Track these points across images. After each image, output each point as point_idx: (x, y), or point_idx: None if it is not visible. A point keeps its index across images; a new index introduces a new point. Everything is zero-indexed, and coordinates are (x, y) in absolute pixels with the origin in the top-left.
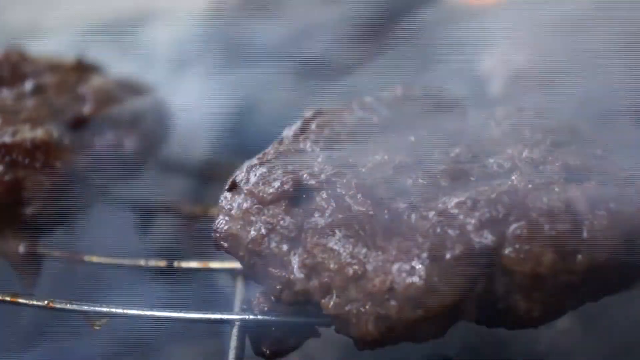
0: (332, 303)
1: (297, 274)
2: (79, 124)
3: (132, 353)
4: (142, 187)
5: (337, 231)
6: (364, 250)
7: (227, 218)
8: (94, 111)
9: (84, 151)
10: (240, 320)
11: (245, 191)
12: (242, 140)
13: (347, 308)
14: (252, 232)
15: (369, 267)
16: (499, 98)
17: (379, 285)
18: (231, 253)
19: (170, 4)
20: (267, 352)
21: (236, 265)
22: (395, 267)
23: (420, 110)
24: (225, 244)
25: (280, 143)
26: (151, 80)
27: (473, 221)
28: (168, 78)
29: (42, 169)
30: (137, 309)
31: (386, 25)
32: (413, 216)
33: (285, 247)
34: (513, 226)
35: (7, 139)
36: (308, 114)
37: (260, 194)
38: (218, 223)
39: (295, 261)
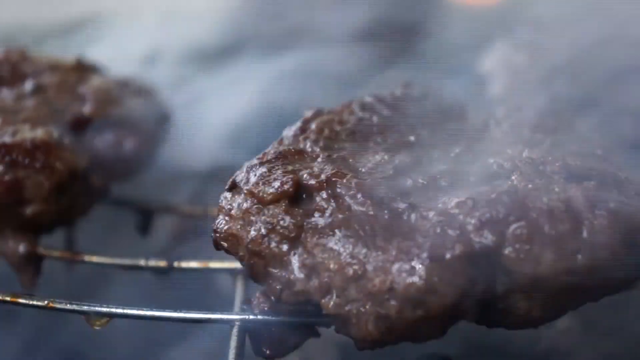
0: (332, 303)
1: (297, 274)
2: (79, 124)
3: (132, 353)
4: (142, 187)
5: (337, 231)
6: (364, 250)
7: (227, 218)
8: (94, 111)
9: (84, 151)
10: (240, 320)
11: (245, 191)
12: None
13: (347, 308)
14: (252, 232)
15: (369, 267)
16: (499, 98)
17: (379, 285)
18: (231, 253)
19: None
20: (267, 352)
21: (236, 265)
22: (395, 267)
23: (420, 110)
24: (225, 244)
25: (280, 143)
26: (152, 80)
27: (473, 221)
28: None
29: (42, 169)
30: (137, 309)
31: (386, 25)
32: (413, 216)
33: (285, 247)
34: (513, 226)
35: (7, 139)
36: (308, 114)
37: (260, 194)
38: (218, 223)
39: (295, 261)
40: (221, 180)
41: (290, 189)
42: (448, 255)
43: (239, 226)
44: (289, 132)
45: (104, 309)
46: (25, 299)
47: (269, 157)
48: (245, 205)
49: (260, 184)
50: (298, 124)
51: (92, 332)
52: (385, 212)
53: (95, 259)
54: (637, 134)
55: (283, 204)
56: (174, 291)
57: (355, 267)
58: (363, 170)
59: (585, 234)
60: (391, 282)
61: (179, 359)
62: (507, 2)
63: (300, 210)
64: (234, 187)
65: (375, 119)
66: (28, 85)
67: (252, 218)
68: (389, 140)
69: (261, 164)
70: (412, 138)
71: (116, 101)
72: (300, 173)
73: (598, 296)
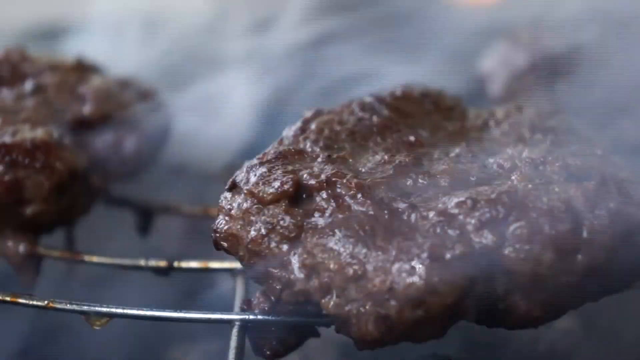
0: (332, 303)
1: (297, 274)
2: (79, 124)
3: (132, 353)
4: (142, 187)
5: (337, 231)
6: (364, 250)
7: (227, 218)
8: (94, 111)
9: (84, 151)
10: (240, 320)
11: (245, 191)
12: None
13: (347, 308)
14: (252, 232)
15: (369, 267)
16: (499, 98)
17: (379, 285)
18: (231, 253)
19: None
20: (267, 352)
21: (236, 265)
22: (395, 267)
23: (420, 110)
24: (225, 244)
25: (280, 143)
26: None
27: (473, 221)
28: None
29: (42, 169)
30: (137, 309)
31: (385, 24)
32: (413, 216)
33: (285, 247)
34: (513, 226)
35: (7, 139)
36: (308, 113)
37: (260, 194)
38: (218, 223)
39: (295, 261)
40: (221, 180)
41: (290, 189)
42: (448, 255)
43: (239, 226)
44: (289, 132)
45: (104, 309)
46: (25, 299)
47: (269, 157)
48: (245, 205)
49: (260, 184)
50: (298, 124)
51: (92, 332)
52: (385, 212)
53: (95, 259)
54: (637, 134)
55: (283, 204)
56: (174, 291)
57: (355, 267)
58: (363, 170)
59: (585, 234)
60: (391, 282)
61: (178, 359)
62: (507, 2)
63: (300, 210)
64: (234, 187)
65: (375, 119)
66: (28, 85)
67: (252, 218)
68: (388, 140)
69: (261, 164)
70: (412, 138)
71: (116, 101)
72: (300, 173)
73: (598, 296)
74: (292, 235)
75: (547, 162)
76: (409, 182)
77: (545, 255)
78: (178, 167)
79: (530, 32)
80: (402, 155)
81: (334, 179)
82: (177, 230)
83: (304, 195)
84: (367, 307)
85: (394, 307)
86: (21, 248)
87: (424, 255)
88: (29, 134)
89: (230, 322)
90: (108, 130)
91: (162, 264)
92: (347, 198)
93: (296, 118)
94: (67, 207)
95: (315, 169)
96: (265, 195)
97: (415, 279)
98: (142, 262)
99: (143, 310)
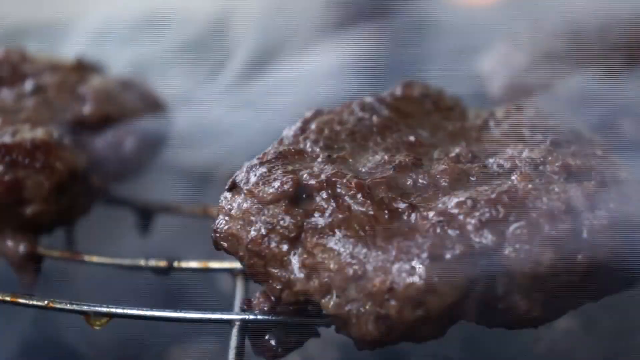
0: (332, 303)
1: (297, 274)
2: (79, 124)
3: (132, 353)
4: (142, 187)
5: (337, 231)
6: (364, 250)
7: (227, 218)
8: (94, 111)
9: (84, 151)
10: (240, 320)
11: (245, 191)
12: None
13: (347, 308)
14: (252, 232)
15: (369, 267)
16: (499, 98)
17: (379, 285)
18: (231, 253)
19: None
20: (267, 352)
21: (236, 265)
22: (395, 267)
23: (420, 110)
24: (225, 244)
25: (280, 143)
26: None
27: (473, 221)
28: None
29: (42, 169)
30: (137, 309)
31: (384, 25)
32: (413, 216)
33: (285, 247)
34: (513, 226)
35: (7, 139)
36: (308, 113)
37: (260, 194)
38: (218, 223)
39: (295, 261)
40: (221, 181)
41: (290, 189)
42: (448, 255)
43: (239, 226)
44: (289, 132)
45: (104, 309)
46: (25, 299)
47: (269, 157)
48: (245, 205)
49: (260, 184)
50: (298, 124)
51: (92, 332)
52: (385, 212)
53: (95, 259)
54: (637, 134)
55: (283, 204)
56: (174, 291)
57: (355, 267)
58: (363, 170)
59: (585, 234)
60: (391, 282)
61: (179, 359)
62: (507, 2)
63: (300, 210)
64: (234, 187)
65: (375, 119)
66: (28, 85)
67: (252, 218)
68: (388, 140)
69: (261, 164)
70: (412, 138)
71: (116, 101)
72: (300, 173)
73: (598, 296)
74: (292, 235)
75: (547, 162)
76: (409, 182)
77: (545, 255)
78: (178, 167)
79: (530, 32)
80: (402, 155)
81: (334, 179)
82: (177, 230)
83: (304, 195)
84: (367, 307)
85: (394, 307)
86: (21, 248)
87: (424, 255)
88: (29, 134)
89: (230, 322)
90: (108, 130)
91: (162, 264)
92: (347, 198)
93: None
94: (67, 207)
95: (315, 169)
96: (265, 195)
97: (415, 279)
98: (142, 262)
99: (143, 310)
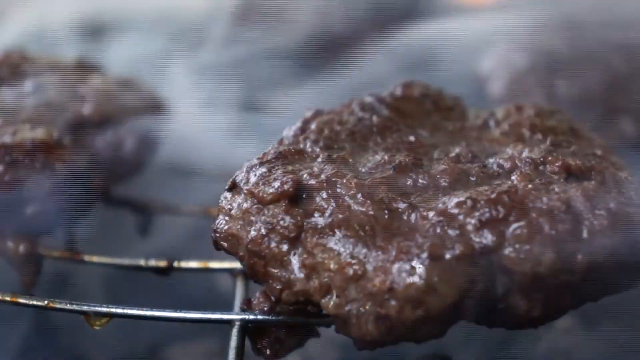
0: (332, 303)
1: (297, 274)
2: (79, 124)
3: (132, 353)
4: (142, 187)
5: (337, 231)
6: (364, 250)
7: (227, 218)
8: (94, 111)
9: (84, 151)
10: (240, 320)
11: (245, 191)
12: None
13: (347, 308)
14: (252, 232)
15: (369, 267)
16: (499, 98)
17: (379, 285)
18: (231, 253)
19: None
20: (267, 352)
21: (236, 265)
22: (395, 267)
23: (420, 110)
24: (225, 244)
25: (280, 143)
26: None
27: (473, 221)
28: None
29: (42, 169)
30: (137, 309)
31: (385, 25)
32: (413, 216)
33: (285, 247)
34: (513, 226)
35: (7, 139)
36: (308, 113)
37: (260, 194)
38: (218, 223)
39: (295, 261)
40: (221, 180)
41: (290, 189)
42: (448, 255)
43: (239, 226)
44: (289, 132)
45: (104, 309)
46: (25, 299)
47: (269, 157)
48: (245, 205)
49: (260, 184)
50: (298, 124)
51: (92, 332)
52: (385, 212)
53: (95, 259)
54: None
55: (283, 204)
56: (174, 291)
57: (355, 267)
58: (363, 170)
59: (585, 234)
60: (391, 282)
61: (179, 359)
62: (507, 2)
63: (300, 210)
64: (234, 187)
65: (375, 119)
66: (28, 85)
67: (252, 218)
68: (388, 140)
69: (261, 164)
70: (412, 138)
71: (116, 101)
72: (300, 173)
73: (598, 296)
74: (292, 235)
75: (547, 162)
76: (409, 182)
77: (545, 255)
78: (178, 167)
79: (530, 32)
80: (402, 155)
81: (334, 179)
82: (177, 230)
83: (304, 195)
84: (367, 307)
85: (394, 307)
86: (21, 248)
87: (424, 255)
88: (29, 134)
89: (230, 322)
90: (108, 130)
91: (162, 264)
92: (347, 198)
93: None
94: (67, 207)
95: (315, 169)
96: (265, 195)
97: (415, 279)
98: (142, 262)
99: (143, 310)
